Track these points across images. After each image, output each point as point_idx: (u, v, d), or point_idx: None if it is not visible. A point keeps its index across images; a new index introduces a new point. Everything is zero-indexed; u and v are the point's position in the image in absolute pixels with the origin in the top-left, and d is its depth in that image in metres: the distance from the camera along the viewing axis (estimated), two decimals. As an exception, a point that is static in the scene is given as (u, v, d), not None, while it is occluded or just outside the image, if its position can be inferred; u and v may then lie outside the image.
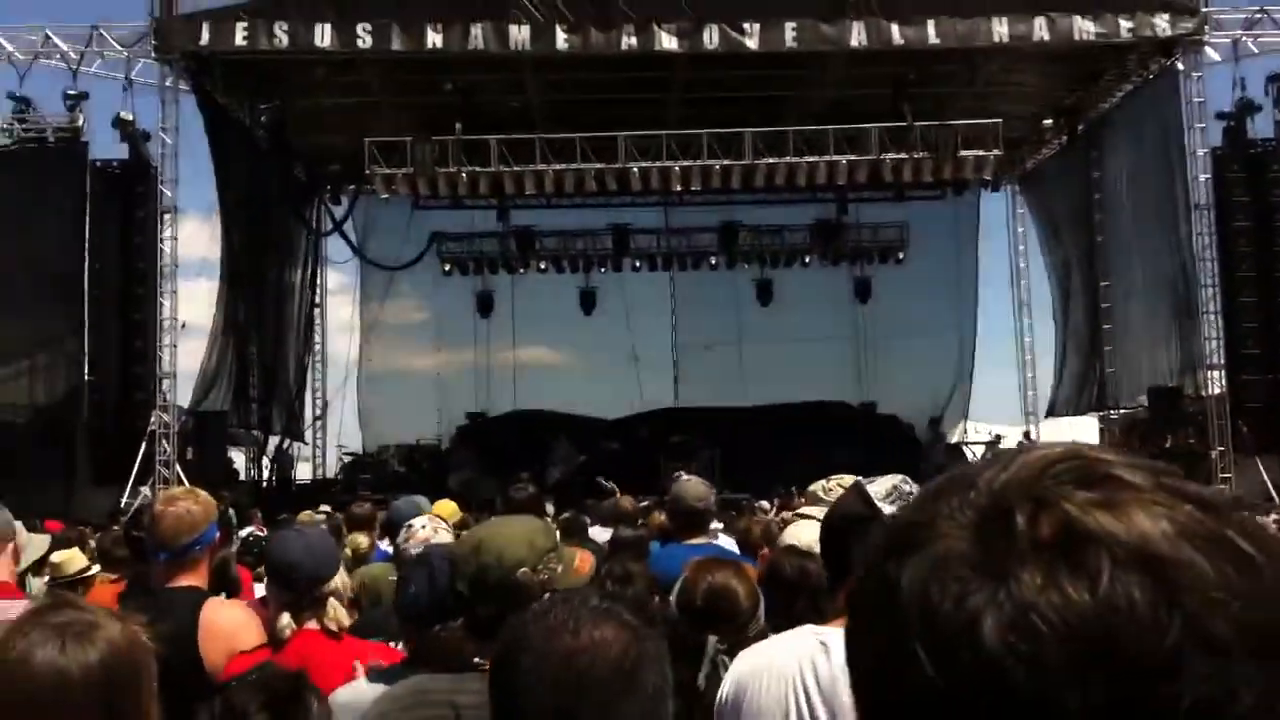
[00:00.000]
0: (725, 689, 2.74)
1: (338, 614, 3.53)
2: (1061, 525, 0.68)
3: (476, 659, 2.56)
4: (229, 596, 5.46)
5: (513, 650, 1.69)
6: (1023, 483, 0.71)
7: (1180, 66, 20.28)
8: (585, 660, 1.62)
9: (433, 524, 4.46)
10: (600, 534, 8.27)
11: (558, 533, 3.62)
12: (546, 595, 2.37)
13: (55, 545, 5.46)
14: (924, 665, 0.66)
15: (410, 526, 4.46)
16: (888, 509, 2.68)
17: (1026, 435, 25.15)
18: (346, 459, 26.54)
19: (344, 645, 3.50)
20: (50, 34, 20.60)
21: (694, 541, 5.68)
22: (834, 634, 2.66)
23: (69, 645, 1.76)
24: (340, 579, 3.82)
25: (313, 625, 3.57)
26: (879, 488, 2.79)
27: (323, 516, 8.66)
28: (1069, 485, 0.70)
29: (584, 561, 2.75)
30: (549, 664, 1.63)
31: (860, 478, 3.00)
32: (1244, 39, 20.67)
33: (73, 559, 4.85)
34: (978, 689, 0.65)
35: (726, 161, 21.57)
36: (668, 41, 19.66)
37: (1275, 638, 0.65)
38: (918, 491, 0.79)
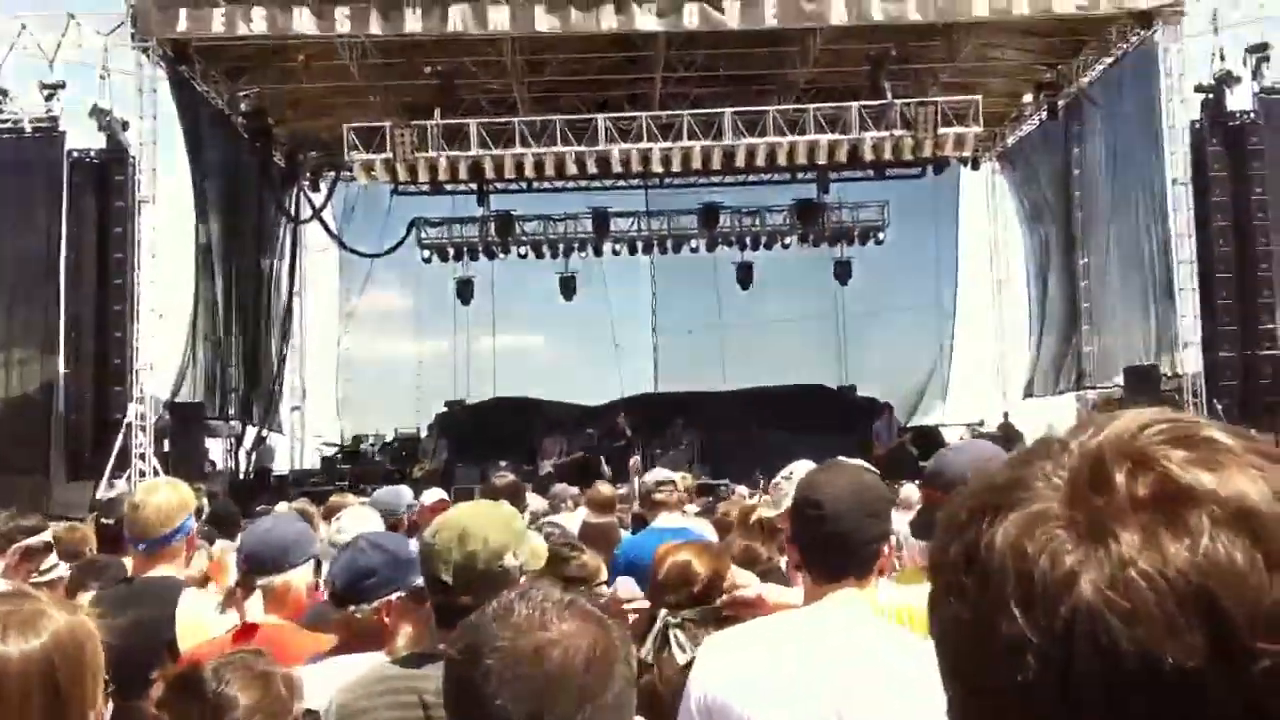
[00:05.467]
0: (704, 689, 2.31)
1: (293, 600, 3.61)
2: (1160, 484, 0.69)
3: (442, 646, 2.52)
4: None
5: (478, 650, 1.59)
6: (1119, 442, 0.71)
7: (1159, 39, 20.18)
8: (556, 657, 1.55)
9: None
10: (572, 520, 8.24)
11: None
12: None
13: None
14: (1018, 622, 0.67)
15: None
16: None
17: (1005, 417, 25.01)
18: (324, 449, 26.42)
19: (295, 634, 3.55)
20: (25, 24, 20.28)
21: (664, 525, 5.74)
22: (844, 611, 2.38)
23: (11, 634, 1.77)
24: (308, 570, 3.84)
25: (271, 614, 3.66)
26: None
27: (299, 505, 8.58)
28: (1165, 445, 0.70)
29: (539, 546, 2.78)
30: (519, 664, 1.55)
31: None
32: (1222, 9, 20.57)
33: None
34: (1073, 645, 0.66)
35: (706, 143, 21.40)
36: (647, 20, 19.54)
37: None
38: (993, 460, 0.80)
